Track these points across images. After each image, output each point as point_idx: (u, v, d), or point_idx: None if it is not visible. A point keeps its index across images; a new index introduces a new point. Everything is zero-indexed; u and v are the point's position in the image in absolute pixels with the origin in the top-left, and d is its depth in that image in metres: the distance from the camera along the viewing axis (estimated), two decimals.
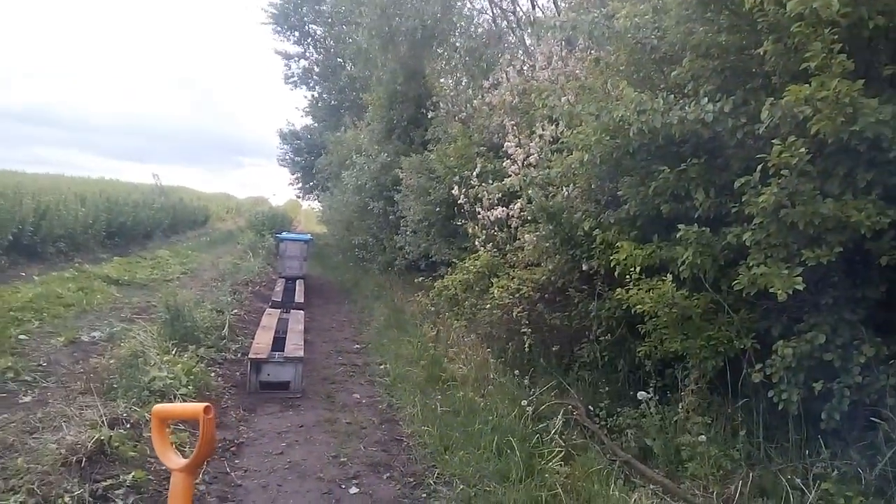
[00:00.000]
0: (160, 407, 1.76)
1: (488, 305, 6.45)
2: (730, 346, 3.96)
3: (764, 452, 3.78)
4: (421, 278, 9.05)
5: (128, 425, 3.93)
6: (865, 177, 3.15)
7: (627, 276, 4.39)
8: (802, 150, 3.04)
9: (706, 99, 3.79)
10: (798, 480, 3.36)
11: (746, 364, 3.92)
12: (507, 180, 6.69)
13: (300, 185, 30.78)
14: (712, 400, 4.19)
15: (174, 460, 1.64)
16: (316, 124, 28.23)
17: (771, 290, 3.25)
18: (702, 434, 3.81)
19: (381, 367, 6.71)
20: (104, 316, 7.52)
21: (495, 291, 6.29)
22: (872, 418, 3.33)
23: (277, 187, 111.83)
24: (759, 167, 3.28)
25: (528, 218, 6.47)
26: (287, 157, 30.52)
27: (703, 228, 3.91)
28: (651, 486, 3.76)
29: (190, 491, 1.57)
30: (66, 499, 2.99)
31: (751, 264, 3.48)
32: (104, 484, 3.25)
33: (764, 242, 3.42)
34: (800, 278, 3.18)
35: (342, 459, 4.27)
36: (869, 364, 3.42)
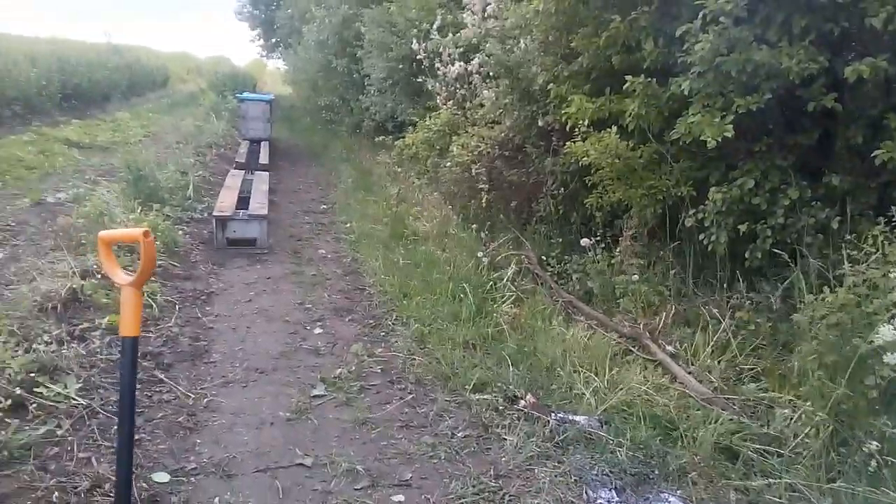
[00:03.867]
0: (105, 233, 1.93)
1: (449, 164, 6.58)
2: (669, 194, 4.19)
3: (691, 289, 4.14)
4: (388, 139, 9.05)
5: (99, 276, 4.12)
6: (800, 23, 3.21)
7: (576, 131, 4.51)
8: None
9: None
10: (717, 311, 3.73)
11: (683, 211, 4.18)
12: (462, 32, 6.53)
13: (262, 41, 29.29)
14: (651, 245, 4.50)
15: (122, 277, 1.84)
16: None
17: (702, 139, 3.41)
18: (635, 274, 4.14)
19: (347, 225, 6.91)
20: (67, 178, 7.49)
21: (455, 149, 6.39)
22: (783, 253, 3.63)
23: (240, 45, 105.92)
24: (701, 15, 3.31)
25: (489, 74, 6.42)
26: (245, 11, 28.74)
27: (651, 79, 3.99)
28: (588, 322, 4.15)
29: (139, 303, 1.79)
30: (46, 338, 3.23)
31: (690, 114, 3.61)
32: (81, 326, 3.50)
33: (702, 91, 3.54)
34: (730, 126, 3.34)
35: (307, 306, 4.58)
36: (793, 206, 3.68)
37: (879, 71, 3.11)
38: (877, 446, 2.35)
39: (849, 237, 3.19)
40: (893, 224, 2.90)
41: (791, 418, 2.87)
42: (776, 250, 3.65)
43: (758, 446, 2.80)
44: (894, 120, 3.25)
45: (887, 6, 3.01)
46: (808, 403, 2.78)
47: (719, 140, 3.35)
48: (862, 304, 2.67)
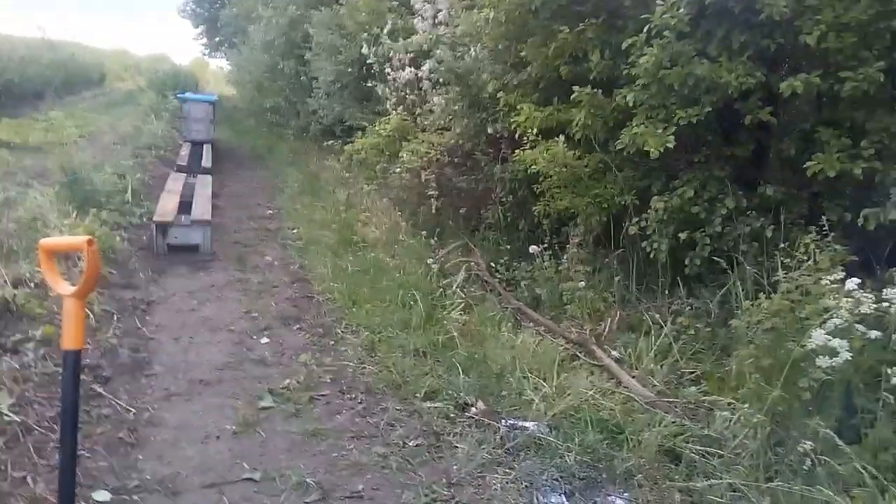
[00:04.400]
0: (47, 240, 1.85)
1: (398, 169, 6.57)
2: (613, 202, 4.30)
3: (634, 295, 4.27)
4: (336, 143, 8.97)
5: (32, 285, 3.93)
6: (739, 38, 3.35)
7: (525, 139, 4.58)
8: (682, 10, 3.18)
9: None
10: (658, 317, 3.85)
11: (627, 219, 4.30)
12: (413, 38, 6.55)
13: (205, 40, 28.54)
14: (596, 252, 4.61)
15: (65, 287, 1.76)
16: None
17: (645, 149, 3.52)
18: (581, 281, 4.24)
19: (294, 231, 6.80)
20: None
21: (405, 155, 6.39)
22: (722, 260, 3.77)
23: (181, 43, 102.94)
24: (646, 28, 3.42)
25: (439, 80, 6.45)
26: (188, 8, 27.95)
27: (597, 90, 4.09)
28: (536, 328, 4.21)
29: (82, 315, 1.71)
30: None
31: (634, 124, 3.72)
32: (14, 339, 3.32)
33: (646, 103, 3.65)
34: (672, 137, 3.46)
35: (253, 315, 4.47)
36: (730, 215, 3.85)
37: (812, 86, 3.28)
38: (811, 446, 2.47)
39: (782, 245, 3.34)
40: (824, 233, 3.07)
41: (731, 420, 2.99)
42: (714, 257, 3.80)
43: (700, 448, 2.89)
44: (825, 133, 3.43)
45: (820, 25, 3.18)
46: (746, 405, 2.90)
47: (661, 150, 3.46)
48: (795, 310, 2.81)
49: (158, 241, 5.57)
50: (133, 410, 3.06)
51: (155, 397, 3.23)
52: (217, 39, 25.93)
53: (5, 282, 3.80)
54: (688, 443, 2.93)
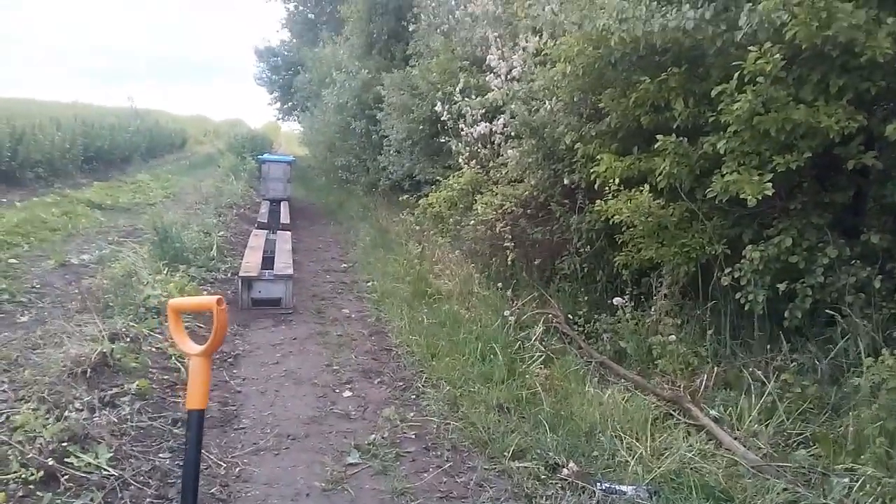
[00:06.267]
0: (175, 301, 1.90)
1: (472, 222, 6.59)
2: (702, 252, 4.14)
3: (729, 350, 4.04)
4: (405, 197, 9.12)
5: (128, 339, 4.08)
6: (837, 82, 3.23)
7: (607, 189, 4.51)
8: (777, 55, 3.09)
9: (687, 5, 3.78)
10: (759, 373, 3.62)
11: (717, 269, 4.12)
12: (489, 95, 6.66)
13: (279, 104, 30.12)
14: (684, 303, 4.42)
15: (192, 347, 1.79)
16: (293, 40, 27.31)
17: (742, 196, 3.38)
18: (672, 334, 4.05)
19: (369, 284, 6.88)
20: (91, 239, 7.57)
21: (479, 208, 6.41)
22: (831, 312, 3.54)
23: (255, 108, 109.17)
24: (736, 75, 3.35)
25: (512, 133, 6.50)
26: (264, 76, 29.72)
27: (681, 138, 4.01)
28: (624, 383, 4.03)
29: (208, 373, 1.73)
30: (77, 405, 3.16)
31: (724, 172, 3.60)
32: (111, 392, 3.43)
33: (738, 150, 3.54)
34: (770, 184, 3.32)
35: (335, 367, 4.49)
36: (832, 265, 3.63)
37: None
38: None
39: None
40: None
41: (851, 487, 2.73)
42: (816, 309, 3.58)
43: None
44: None
45: None
46: (870, 471, 2.65)
47: (759, 198, 3.32)
48: None
49: (244, 296, 5.73)
50: (224, 465, 3.07)
51: (244, 451, 3.24)
52: (290, 104, 27.27)
53: (103, 336, 3.96)
54: None
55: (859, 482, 2.71)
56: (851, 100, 3.27)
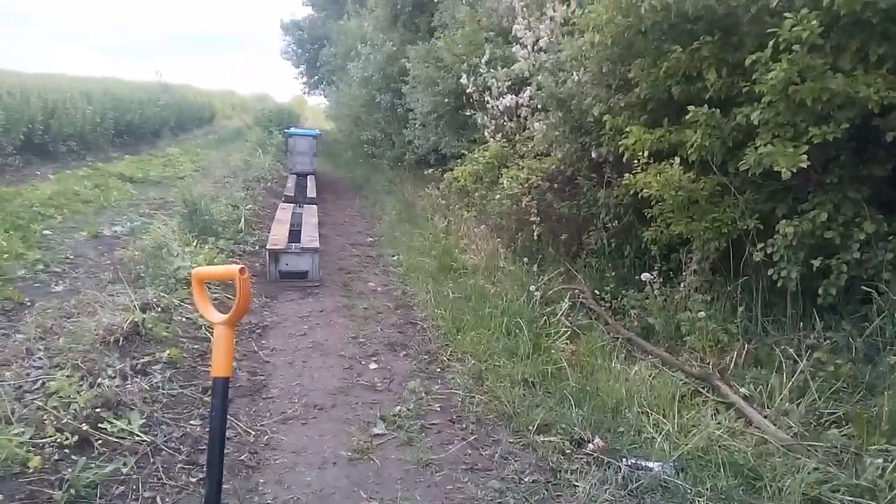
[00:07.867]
0: (199, 270, 1.91)
1: (498, 196, 6.52)
2: (733, 227, 4.04)
3: (761, 327, 3.96)
4: (431, 171, 9.08)
5: (159, 309, 4.16)
6: (877, 51, 3.10)
7: (636, 162, 4.42)
8: (815, 23, 2.97)
9: None
10: (791, 351, 3.54)
11: (749, 244, 4.02)
12: (515, 66, 6.54)
13: (304, 79, 30.07)
14: (714, 280, 4.34)
15: (215, 315, 1.80)
16: (318, 13, 27.13)
17: (776, 169, 3.28)
18: (701, 311, 3.98)
19: (394, 258, 6.90)
20: (122, 211, 7.71)
21: (505, 182, 6.34)
22: (867, 289, 3.44)
23: (281, 82, 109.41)
24: (772, 43, 3.22)
25: (538, 106, 6.39)
26: (290, 50, 29.61)
27: (714, 109, 3.89)
28: (651, 359, 3.99)
29: (231, 341, 1.75)
30: (110, 372, 3.24)
31: (758, 144, 3.49)
32: (143, 360, 3.51)
33: (772, 121, 3.42)
34: (805, 156, 3.21)
35: (361, 340, 4.53)
36: (869, 241, 3.52)
37: None
38: None
39: None
40: None
41: (884, 468, 2.68)
42: (854, 287, 3.48)
43: (850, 499, 2.61)
44: None
45: None
46: None
47: (794, 171, 3.22)
48: None
49: (271, 268, 5.79)
50: (253, 433, 3.13)
51: (273, 420, 3.30)
52: (316, 78, 27.21)
53: (134, 306, 4.04)
54: (836, 492, 2.65)
55: (893, 463, 2.65)
56: (892, 69, 3.13)
